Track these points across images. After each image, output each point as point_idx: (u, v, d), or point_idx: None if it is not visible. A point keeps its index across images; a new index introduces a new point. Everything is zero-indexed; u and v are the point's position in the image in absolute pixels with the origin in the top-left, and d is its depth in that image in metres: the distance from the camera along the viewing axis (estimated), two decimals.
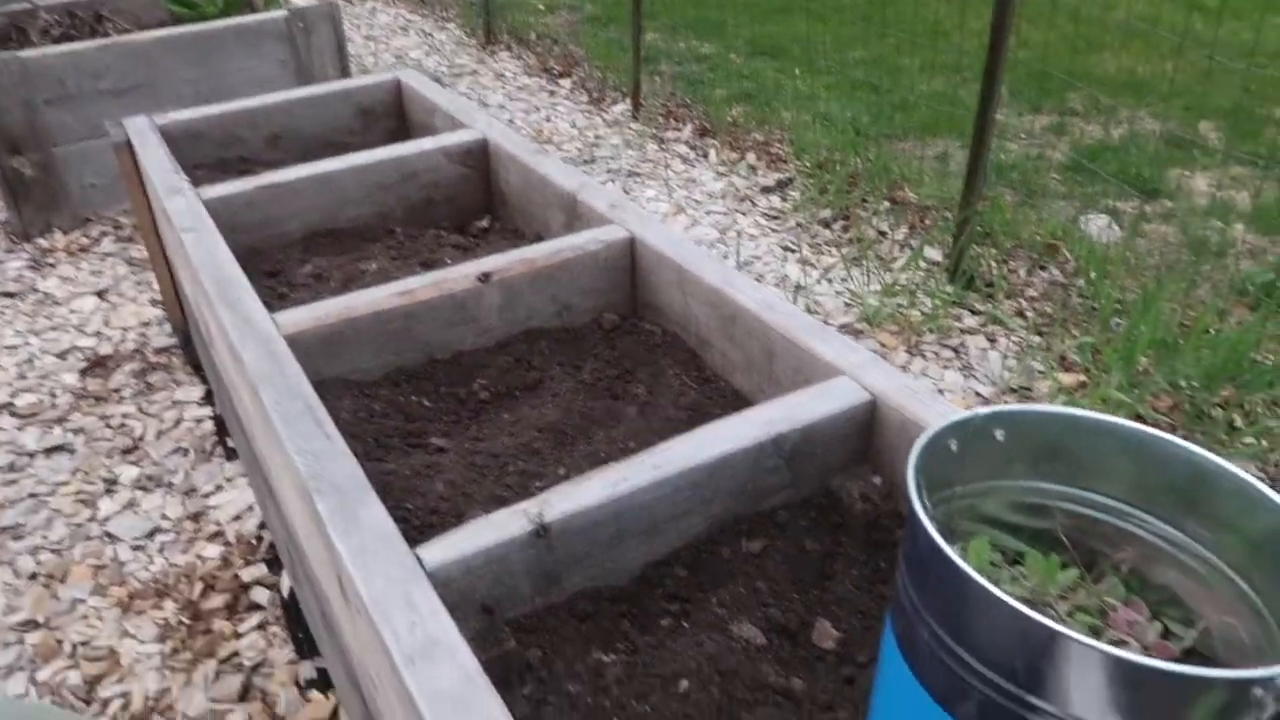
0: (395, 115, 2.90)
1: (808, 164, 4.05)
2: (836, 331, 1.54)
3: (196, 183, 2.25)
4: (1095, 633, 0.98)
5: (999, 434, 1.05)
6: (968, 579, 0.82)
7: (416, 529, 1.35)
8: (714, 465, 1.31)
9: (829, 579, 1.34)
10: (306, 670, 1.93)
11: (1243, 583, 0.95)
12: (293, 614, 2.05)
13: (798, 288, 3.17)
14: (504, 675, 1.15)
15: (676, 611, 1.28)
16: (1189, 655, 0.97)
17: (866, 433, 1.43)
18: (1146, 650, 0.95)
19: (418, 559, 1.13)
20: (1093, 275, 3.08)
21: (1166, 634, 0.98)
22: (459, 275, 1.79)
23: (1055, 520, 1.08)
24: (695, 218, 3.72)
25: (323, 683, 1.90)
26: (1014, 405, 1.13)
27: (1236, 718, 0.79)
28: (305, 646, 1.98)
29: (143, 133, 2.52)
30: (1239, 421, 2.40)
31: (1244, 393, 2.44)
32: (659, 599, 1.29)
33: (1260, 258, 3.46)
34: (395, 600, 1.06)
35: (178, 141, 2.59)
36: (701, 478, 1.30)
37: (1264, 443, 2.30)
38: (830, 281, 3.23)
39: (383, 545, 1.14)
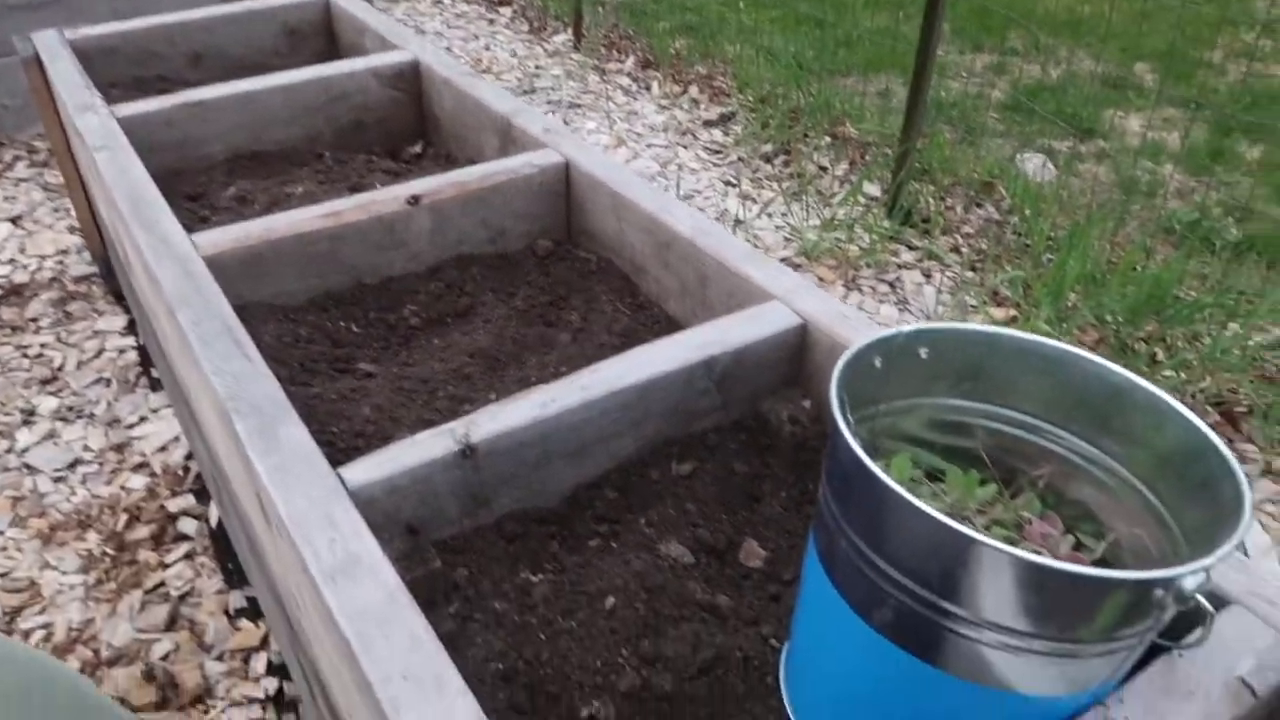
0: (324, 35, 2.79)
1: (750, 99, 4.01)
2: (769, 257, 1.53)
3: (111, 101, 2.15)
4: (1011, 544, 1.00)
5: (923, 352, 1.05)
6: (886, 489, 0.83)
7: (341, 451, 1.32)
8: (644, 387, 1.30)
9: (757, 500, 1.35)
10: (236, 600, 1.91)
11: (1150, 494, 0.98)
12: (222, 544, 2.02)
13: (737, 222, 3.16)
14: (429, 595, 1.14)
15: (605, 532, 1.28)
16: (1099, 566, 1.00)
17: (797, 357, 1.44)
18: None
19: (340, 478, 1.11)
20: (1027, 213, 3.11)
21: (1079, 546, 1.01)
22: (387, 198, 1.74)
23: (976, 439, 1.10)
24: (636, 150, 3.67)
25: (252, 611, 1.88)
26: (937, 324, 1.14)
27: (1140, 619, 0.81)
28: (234, 576, 1.95)
29: (53, 48, 2.39)
30: (1160, 355, 2.47)
31: (1166, 327, 2.50)
32: (588, 520, 1.29)
33: (1188, 198, 3.54)
34: (315, 519, 1.04)
35: (91, 58, 2.46)
36: (631, 399, 1.30)
37: (1183, 375, 2.37)
38: (770, 216, 3.22)
39: (303, 465, 1.12)
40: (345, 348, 1.64)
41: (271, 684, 1.74)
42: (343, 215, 1.69)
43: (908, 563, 0.84)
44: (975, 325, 1.05)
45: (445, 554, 1.20)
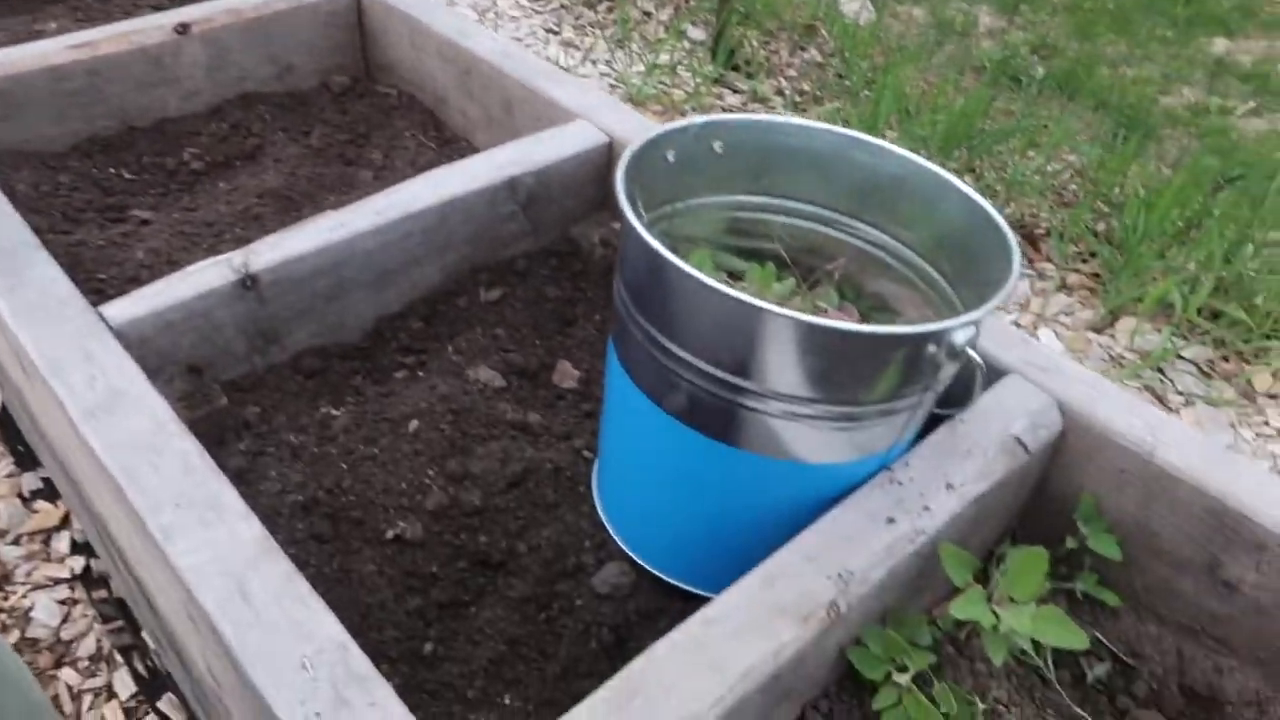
0: None
1: None
2: (574, 75, 1.46)
3: None
4: None
5: (717, 146, 1.03)
6: (674, 269, 0.81)
7: (112, 297, 1.21)
8: (443, 210, 1.23)
9: (570, 324, 1.32)
10: (30, 482, 1.77)
11: (936, 274, 1.01)
12: (9, 428, 1.85)
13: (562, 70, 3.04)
14: (218, 433, 1.07)
15: (412, 363, 1.23)
16: None
17: (605, 177, 1.40)
18: None
19: (100, 316, 1.01)
20: (847, 54, 3.13)
21: None
22: (150, 26, 1.56)
23: (775, 239, 1.10)
24: (451, 0, 3.45)
25: (50, 493, 1.75)
26: (726, 115, 1.11)
27: (916, 378, 0.83)
28: (26, 459, 1.80)
29: None
30: (969, 182, 2.56)
31: (974, 155, 2.59)
32: (393, 352, 1.24)
33: (998, 37, 3.63)
34: (70, 357, 0.95)
35: None
36: (432, 223, 1.23)
37: (989, 200, 2.48)
38: (594, 64, 3.12)
39: (57, 305, 1.01)
40: (117, 195, 1.49)
41: (78, 562, 1.64)
42: (99, 46, 1.51)
43: (697, 343, 0.84)
44: (765, 116, 1.03)
45: (234, 392, 1.12)
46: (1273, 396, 2.06)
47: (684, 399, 0.87)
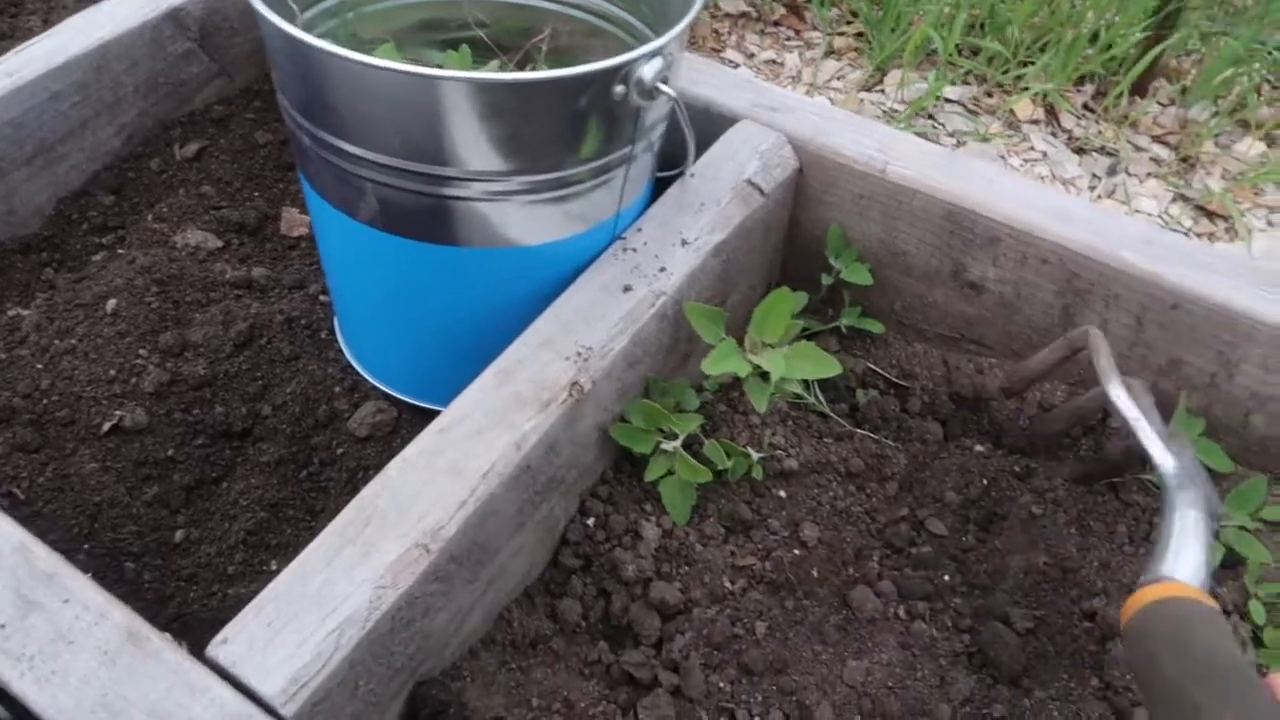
0: None
1: None
2: None
3: None
4: None
5: None
6: (320, 54, 0.70)
7: None
8: (97, 60, 1.06)
9: (291, 168, 1.20)
10: None
11: (642, 24, 0.93)
12: None
13: None
14: None
15: (110, 242, 1.09)
16: None
17: None
18: None
19: None
20: None
21: None
22: None
23: (474, 26, 1.00)
24: None
25: None
26: None
27: (613, 129, 0.76)
28: None
29: None
30: None
31: None
32: (85, 234, 1.09)
33: None
34: None
35: None
36: (86, 77, 1.06)
37: None
38: None
39: None
40: None
41: None
42: None
43: (371, 136, 0.74)
44: None
45: None
46: (1034, 122, 2.12)
47: (376, 204, 0.79)
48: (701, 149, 0.94)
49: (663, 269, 0.85)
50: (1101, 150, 1.89)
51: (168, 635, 0.62)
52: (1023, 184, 0.94)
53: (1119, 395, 0.78)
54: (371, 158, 0.75)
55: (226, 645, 0.62)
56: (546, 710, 0.75)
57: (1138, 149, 1.86)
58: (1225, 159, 1.83)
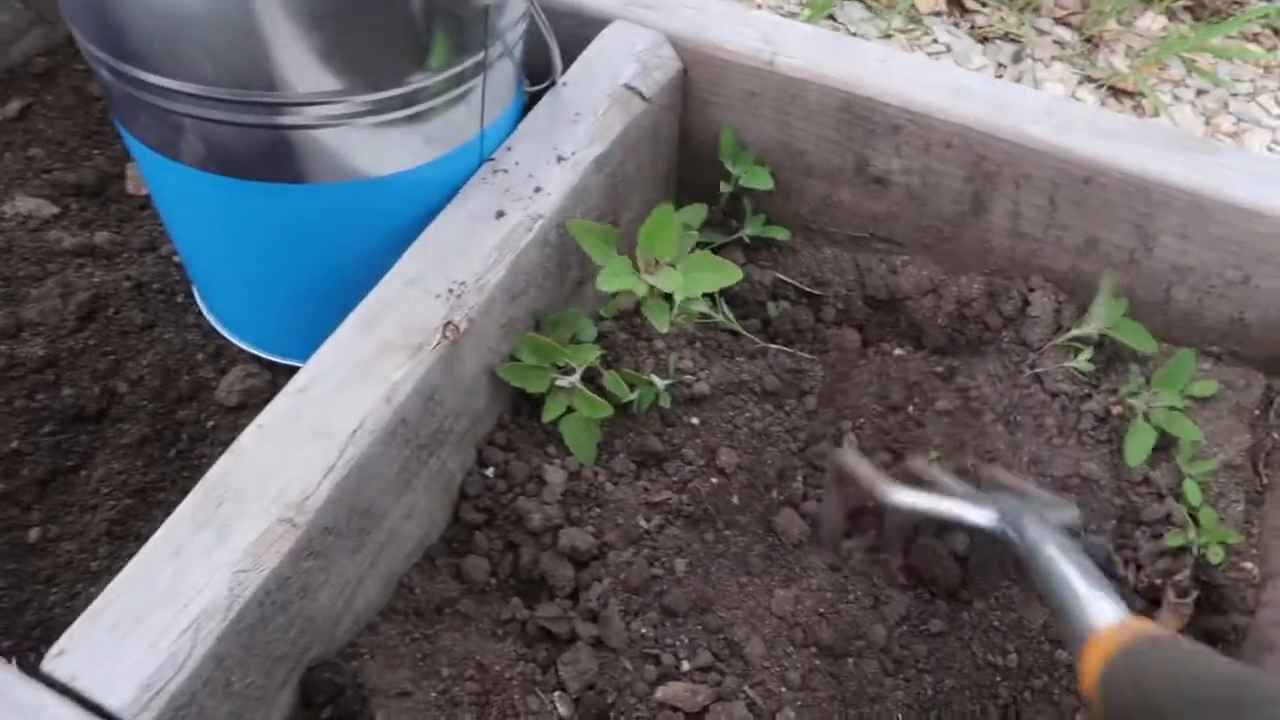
0: None
1: None
2: None
3: None
4: None
5: None
6: None
7: None
8: None
9: None
10: None
11: None
12: None
13: None
14: None
15: None
16: None
17: None
18: None
19: None
20: None
21: None
22: None
23: None
24: None
25: None
26: None
27: (463, 29, 0.68)
28: None
29: None
30: None
31: None
32: None
33: None
34: None
35: None
36: None
37: None
38: None
39: None
40: None
41: None
42: None
43: (178, 61, 0.64)
44: None
45: None
46: (937, 14, 2.06)
47: (199, 143, 0.69)
48: (573, 55, 0.86)
49: (538, 189, 0.77)
50: (1005, 37, 1.84)
51: None
52: (917, 63, 0.88)
53: (900, 497, 0.66)
54: (183, 88, 0.66)
55: (64, 657, 0.54)
56: (459, 678, 0.69)
57: (1041, 33, 1.81)
58: (1129, 36, 1.79)
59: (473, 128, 0.75)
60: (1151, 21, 1.79)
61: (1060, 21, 1.84)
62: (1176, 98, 1.68)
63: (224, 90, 0.65)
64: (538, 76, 0.84)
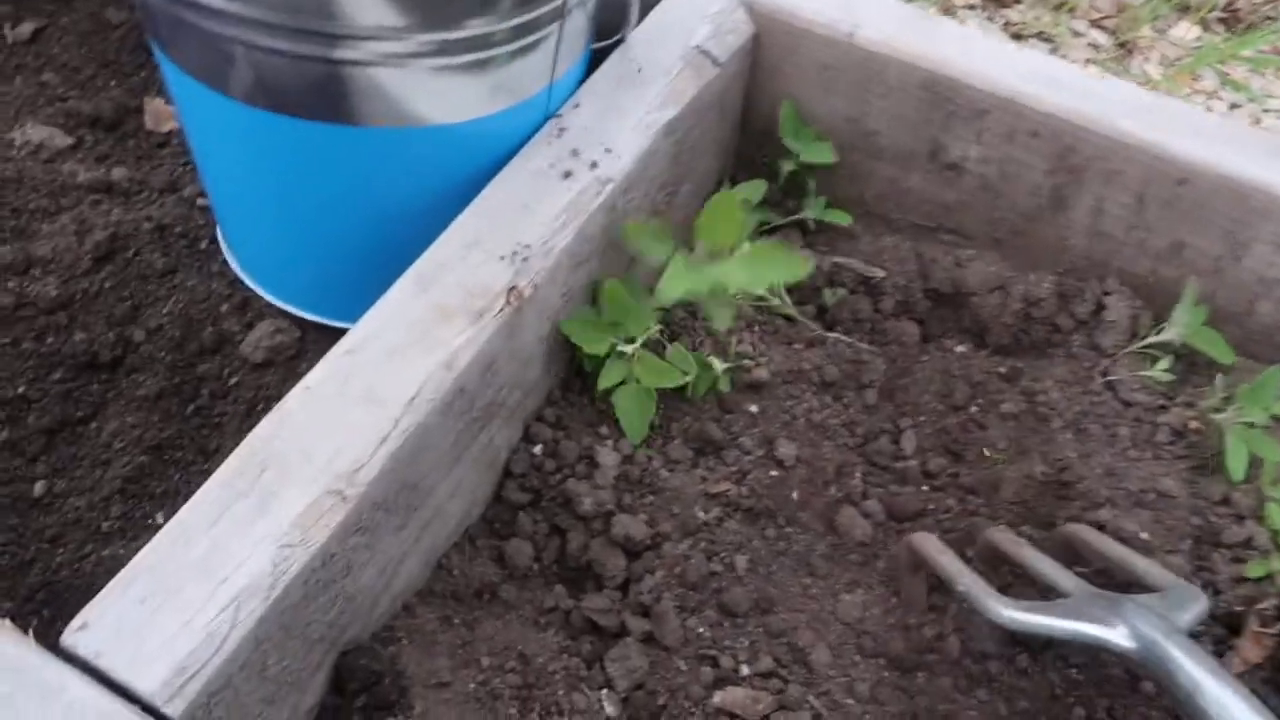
0: None
1: None
2: None
3: None
4: None
5: None
6: None
7: None
8: None
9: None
10: None
11: None
12: None
13: None
14: None
15: None
16: None
17: None
18: None
19: None
20: None
21: None
22: None
23: None
24: None
25: None
26: None
27: None
28: None
29: None
30: None
31: None
32: None
33: None
34: None
35: None
36: None
37: None
38: None
39: None
40: None
41: None
42: None
43: None
44: None
45: None
46: (970, 6, 2.01)
47: (250, 74, 0.63)
48: (641, 14, 0.81)
49: (607, 150, 0.72)
50: (1040, 36, 1.80)
51: (5, 621, 0.48)
52: (1006, 47, 0.84)
53: (1012, 615, 0.58)
54: (236, 10, 0.60)
55: (87, 631, 0.49)
56: (499, 669, 0.64)
57: (1076, 34, 1.77)
58: (1163, 44, 1.76)
59: (541, 80, 0.70)
60: (1186, 31, 1.75)
61: (1095, 24, 1.79)
62: (1209, 109, 1.65)
63: (279, 16, 0.59)
64: (602, 32, 0.79)
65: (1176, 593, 0.60)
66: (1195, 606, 0.59)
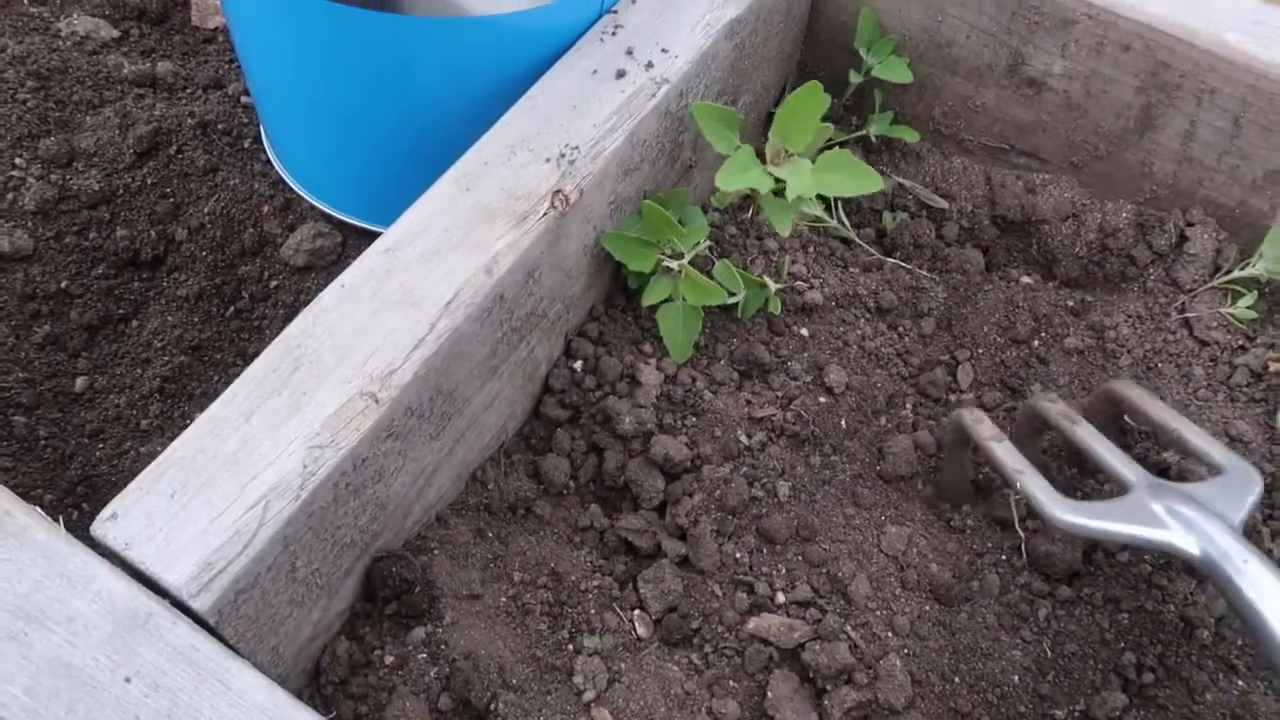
0: None
1: None
2: None
3: None
4: None
5: None
6: None
7: None
8: None
9: None
10: None
11: None
12: None
13: None
14: None
15: None
16: None
17: None
18: None
19: None
20: None
21: None
22: None
23: None
24: None
25: None
26: None
27: None
28: None
29: None
30: None
31: None
32: None
33: None
34: None
35: None
36: None
37: None
38: None
39: None
40: None
41: None
42: None
43: None
44: None
45: None
46: None
47: None
48: None
49: (665, 50, 0.68)
50: None
51: (36, 510, 0.48)
52: None
53: (1070, 519, 0.56)
54: None
55: (116, 522, 0.48)
56: (531, 584, 0.63)
57: None
58: None
59: None
60: None
61: None
62: None
63: None
64: None
65: (1234, 476, 0.58)
66: (1254, 490, 0.57)
